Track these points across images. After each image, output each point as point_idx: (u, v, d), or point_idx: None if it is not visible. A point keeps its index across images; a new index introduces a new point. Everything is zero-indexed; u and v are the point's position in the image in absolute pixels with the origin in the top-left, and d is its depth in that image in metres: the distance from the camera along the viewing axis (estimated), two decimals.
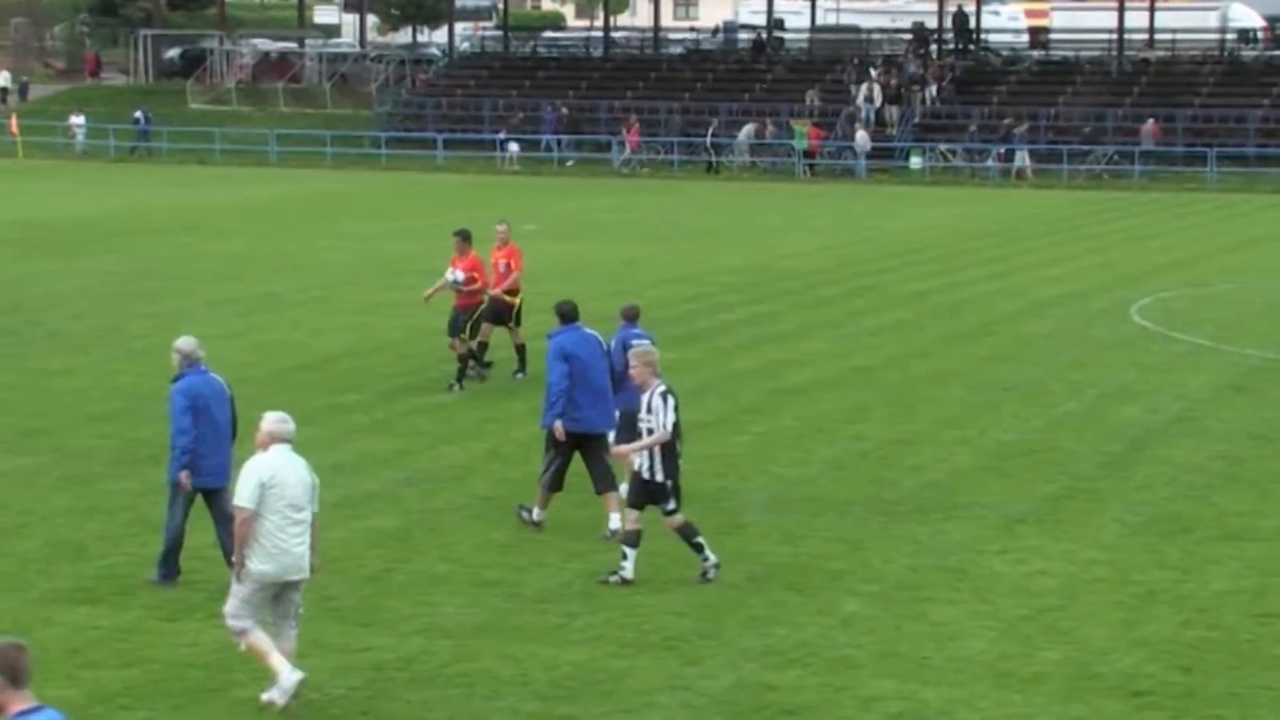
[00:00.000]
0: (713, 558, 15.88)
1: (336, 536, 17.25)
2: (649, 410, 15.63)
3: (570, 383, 17.34)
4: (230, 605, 12.95)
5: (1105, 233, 46.08)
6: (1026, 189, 58.95)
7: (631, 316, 19.21)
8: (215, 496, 15.46)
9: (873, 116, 65.10)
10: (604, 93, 71.05)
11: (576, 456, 17.59)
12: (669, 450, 15.66)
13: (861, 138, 63.41)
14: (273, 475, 12.81)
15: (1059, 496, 19.06)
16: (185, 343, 15.72)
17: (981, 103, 67.04)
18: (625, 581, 15.67)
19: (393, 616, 14.88)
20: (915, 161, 63.36)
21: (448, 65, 78.00)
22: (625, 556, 15.74)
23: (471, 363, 24.81)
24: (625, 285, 35.05)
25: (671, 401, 15.65)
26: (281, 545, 12.78)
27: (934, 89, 67.56)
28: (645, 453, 15.65)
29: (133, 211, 49.22)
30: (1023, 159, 61.55)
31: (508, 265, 25.53)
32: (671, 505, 15.80)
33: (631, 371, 15.82)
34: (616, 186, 59.68)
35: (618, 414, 17.69)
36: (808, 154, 63.49)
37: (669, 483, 15.73)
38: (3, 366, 26.06)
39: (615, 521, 17.05)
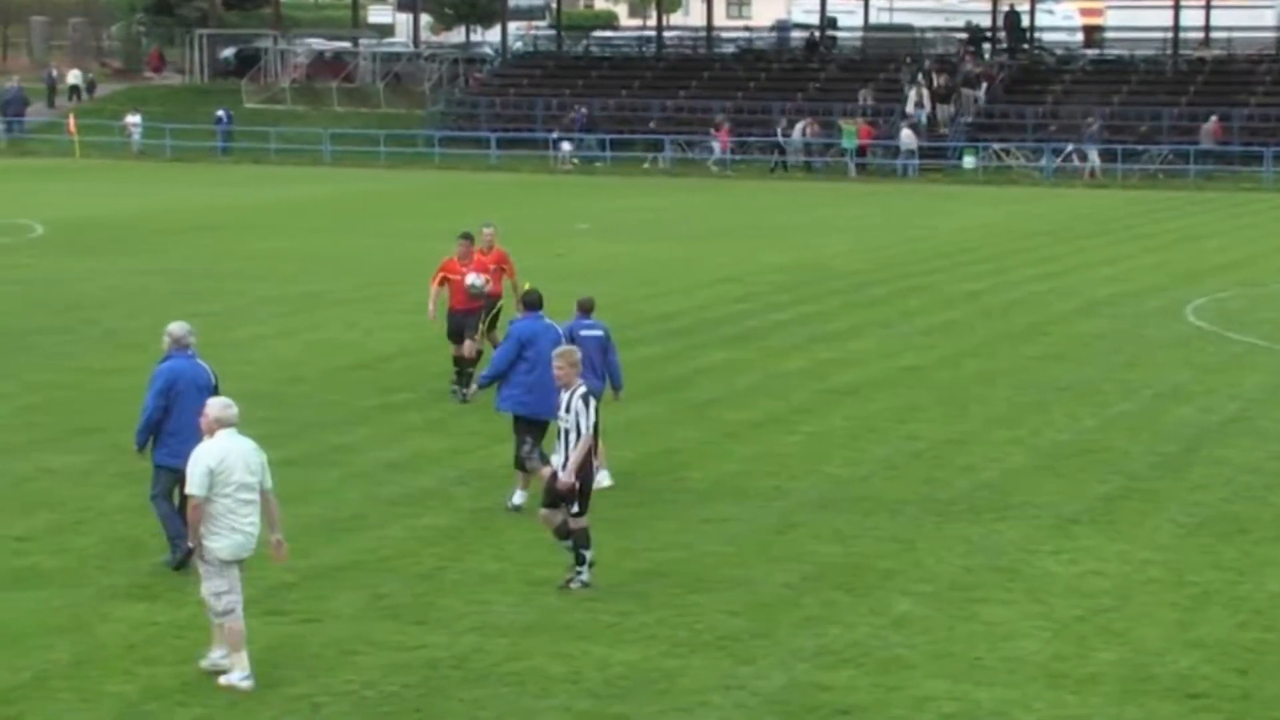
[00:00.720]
0: (585, 576, 15.54)
1: (390, 534, 17.35)
2: (567, 410, 15.46)
3: (511, 367, 18.16)
4: (209, 587, 13.41)
5: (1160, 232, 45.84)
6: (1081, 188, 58.67)
7: (586, 308, 19.64)
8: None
9: (924, 120, 64.81)
10: (656, 92, 71.06)
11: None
12: (586, 454, 15.50)
13: (907, 136, 63.25)
14: (221, 461, 13.30)
15: (1113, 497, 18.98)
16: (176, 327, 16.38)
17: (1035, 102, 66.78)
18: (584, 584, 15.60)
19: (446, 614, 14.93)
20: (968, 161, 63.15)
21: (501, 65, 78.15)
22: (580, 560, 15.65)
23: (454, 382, 23.74)
24: (675, 284, 35.08)
25: (593, 404, 15.57)
26: (234, 525, 13.34)
27: (984, 88, 67.26)
28: (563, 451, 15.50)
29: (188, 210, 49.47)
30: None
31: (499, 269, 24.56)
32: (577, 508, 15.55)
33: (555, 370, 15.61)
34: (667, 186, 59.69)
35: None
36: (857, 153, 63.43)
37: (578, 484, 15.52)
38: (58, 365, 26.25)
39: (519, 497, 18.24)
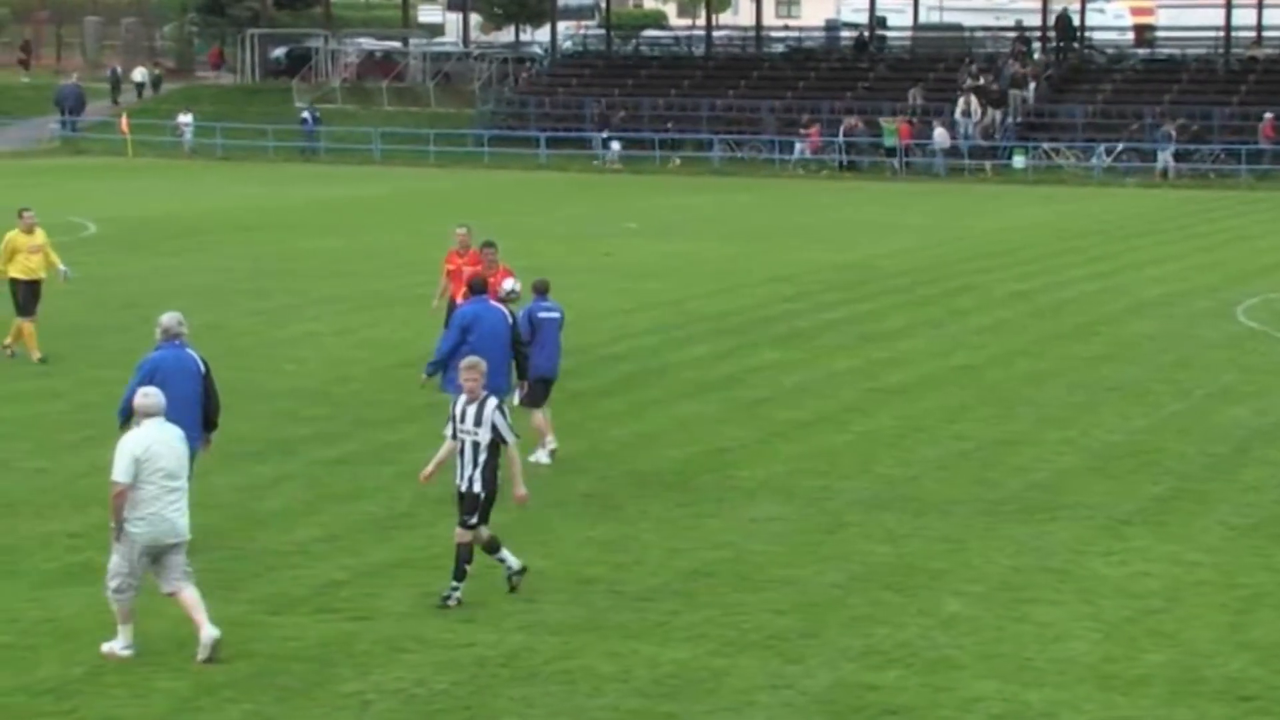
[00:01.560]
0: (458, 595, 15.06)
1: (440, 532, 17.38)
2: (477, 423, 15.03)
3: (455, 349, 18.80)
4: (112, 565, 13.88)
5: (1212, 232, 45.60)
6: (1132, 188, 58.39)
7: (542, 290, 20.50)
8: None
9: (971, 130, 64.37)
10: (705, 92, 71.02)
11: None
12: (492, 465, 15.12)
13: (940, 135, 63.12)
14: (146, 449, 13.75)
15: (1164, 498, 18.91)
16: (167, 318, 16.87)
17: (1086, 101, 66.50)
18: (514, 575, 15.54)
19: (495, 613, 14.98)
20: (1018, 160, 62.93)
21: (550, 64, 78.25)
22: (503, 561, 15.49)
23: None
24: (725, 284, 35.08)
25: (506, 411, 15.31)
26: (158, 512, 13.78)
27: (1031, 88, 66.94)
28: (468, 463, 15.12)
29: (240, 209, 49.71)
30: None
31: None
32: (475, 520, 15.20)
33: (464, 382, 15.17)
34: (716, 185, 59.66)
35: (519, 385, 19.69)
36: (895, 152, 63.39)
37: (483, 495, 15.19)
38: (114, 362, 26.37)
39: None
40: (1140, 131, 62.44)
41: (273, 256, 38.95)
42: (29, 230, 26.85)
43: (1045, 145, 63.60)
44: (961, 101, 64.51)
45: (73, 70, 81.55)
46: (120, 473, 13.70)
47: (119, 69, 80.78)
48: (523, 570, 15.59)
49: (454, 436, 15.25)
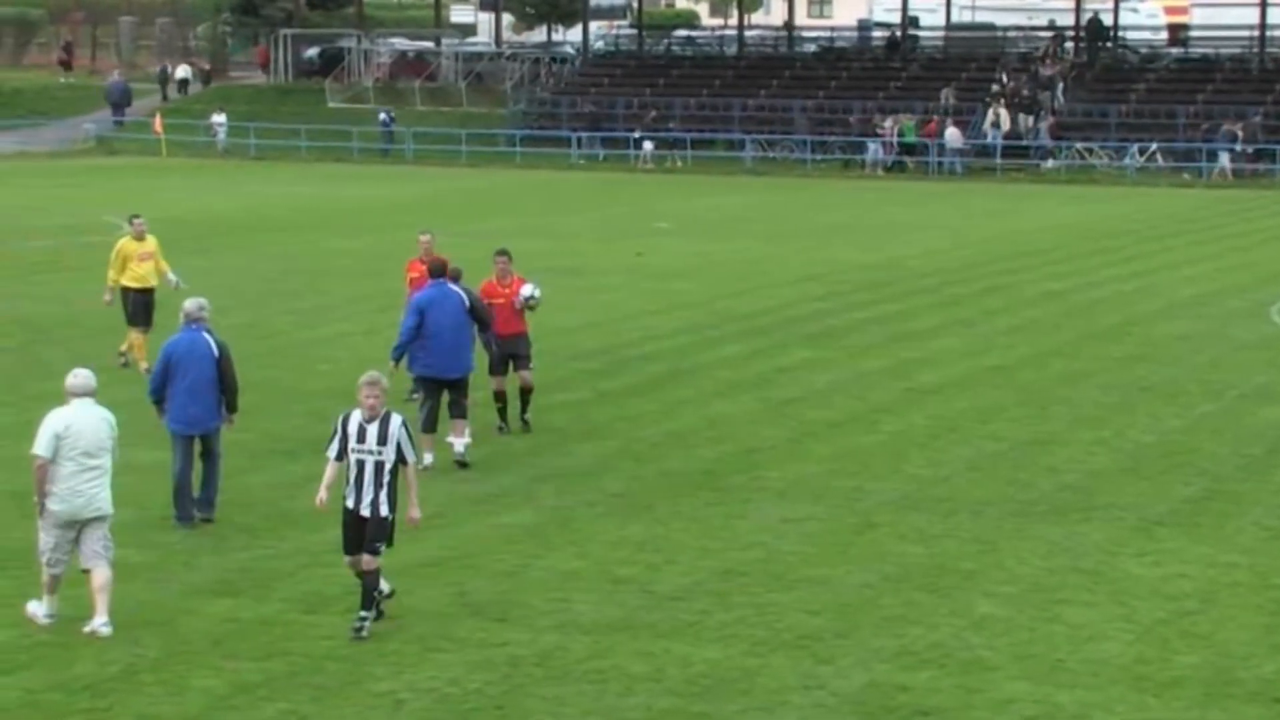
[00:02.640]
0: (369, 625, 14.23)
1: (472, 532, 17.46)
2: (381, 441, 14.19)
3: (417, 334, 19.77)
4: (41, 542, 14.61)
5: (1246, 232, 45.42)
6: (1165, 187, 58.21)
7: (454, 277, 20.94)
8: (202, 441, 17.71)
9: (998, 138, 64.03)
10: (737, 91, 71.00)
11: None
12: (394, 486, 14.38)
13: (952, 134, 63.02)
14: (67, 427, 14.45)
15: (1197, 499, 18.86)
16: (189, 303, 17.95)
17: (1119, 101, 66.30)
18: (382, 595, 14.57)
19: (528, 612, 15.01)
20: (1050, 160, 62.77)
21: (582, 64, 78.30)
22: (370, 602, 14.34)
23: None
24: (757, 283, 35.07)
25: (408, 427, 14.48)
26: (75, 488, 14.42)
27: (1060, 88, 66.69)
28: (370, 485, 14.25)
29: (273, 209, 49.86)
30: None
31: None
32: (384, 546, 14.38)
33: (364, 399, 14.27)
34: (748, 185, 59.65)
35: (152, 397, 19.44)
36: (911, 150, 63.43)
37: (391, 518, 14.38)
38: (148, 361, 26.52)
39: (460, 445, 19.90)
40: (1198, 131, 62.12)
41: (305, 256, 39.03)
42: (139, 237, 26.20)
43: (1078, 145, 63.43)
44: (990, 114, 64.09)
45: (110, 70, 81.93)
46: (40, 447, 14.41)
47: (168, 66, 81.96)
48: (391, 593, 14.75)
49: (339, 457, 14.36)
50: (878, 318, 30.95)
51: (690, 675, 13.55)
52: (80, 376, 14.81)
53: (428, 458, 19.30)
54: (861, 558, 16.61)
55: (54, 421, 14.50)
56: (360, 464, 14.30)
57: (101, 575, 14.49)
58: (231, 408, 17.86)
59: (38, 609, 14.67)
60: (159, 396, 17.76)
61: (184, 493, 17.65)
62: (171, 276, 26.45)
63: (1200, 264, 38.35)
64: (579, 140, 67.70)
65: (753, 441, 21.38)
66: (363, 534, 14.29)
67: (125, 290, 26.06)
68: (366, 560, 14.30)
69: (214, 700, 13.07)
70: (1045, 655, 13.99)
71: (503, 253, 22.23)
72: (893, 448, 21.11)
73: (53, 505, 14.44)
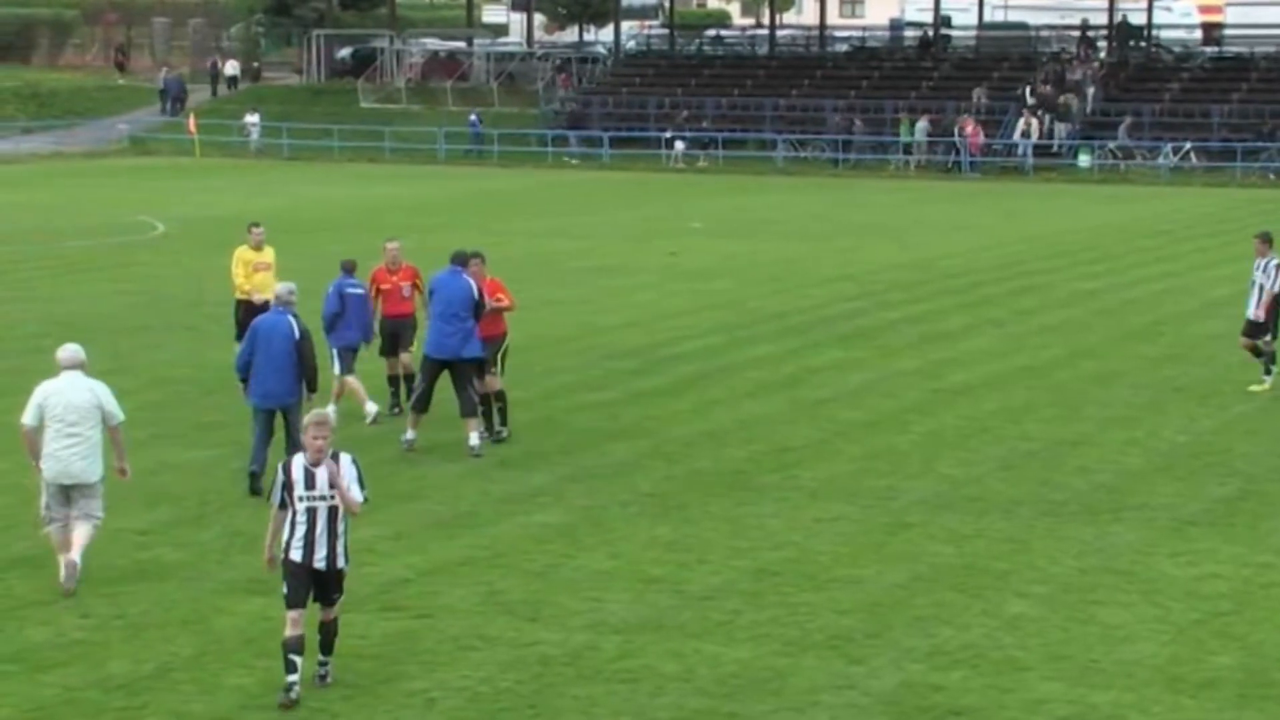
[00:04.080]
0: (294, 693, 12.91)
1: (504, 531, 17.49)
2: (332, 484, 12.96)
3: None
4: (40, 502, 15.73)
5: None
6: (1198, 186, 57.99)
7: (349, 269, 22.57)
8: (283, 414, 18.58)
9: (1030, 148, 63.71)
10: (768, 91, 70.97)
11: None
12: (348, 533, 13.25)
13: (969, 131, 63.01)
14: (47, 396, 15.55)
15: (1231, 499, 18.79)
16: (280, 287, 19.32)
17: (1153, 100, 66.09)
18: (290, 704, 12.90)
19: (559, 611, 15.02)
20: (1083, 160, 62.63)
21: (613, 64, 78.33)
22: (292, 669, 12.93)
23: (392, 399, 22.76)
24: (789, 283, 35.06)
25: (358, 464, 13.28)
26: (54, 453, 15.44)
27: (1091, 92, 66.43)
28: (323, 534, 12.98)
29: (306, 209, 49.97)
30: None
31: (413, 288, 22.70)
32: (340, 596, 13.33)
33: (312, 439, 12.98)
34: (779, 185, 59.62)
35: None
36: (911, 149, 63.85)
37: (346, 568, 13.27)
38: (183, 360, 26.64)
39: (474, 439, 20.46)
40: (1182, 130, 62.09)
41: (337, 255, 39.03)
42: (258, 247, 25.08)
43: (1111, 145, 63.25)
44: (1021, 122, 63.74)
45: (146, 70, 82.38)
46: (25, 415, 15.68)
47: (218, 62, 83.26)
48: (294, 700, 12.92)
49: (283, 505, 13.06)
50: (910, 318, 30.91)
51: (721, 675, 13.56)
52: (68, 350, 15.81)
53: (409, 434, 20.76)
54: (893, 557, 16.59)
55: (38, 392, 15.65)
56: (311, 513, 12.95)
57: (80, 533, 15.56)
58: (311, 387, 18.84)
59: (61, 572, 15.54)
60: (244, 374, 18.87)
61: (258, 465, 18.54)
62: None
63: (1234, 264, 38.15)
64: (549, 139, 67.97)
65: (785, 441, 21.37)
66: (315, 588, 13.05)
67: (237, 301, 25.12)
68: (327, 613, 13.21)
69: (247, 698, 13.12)
70: (1079, 656, 13.96)
71: (477, 255, 21.47)
72: (925, 448, 21.09)
73: (44, 466, 15.56)
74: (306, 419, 13.21)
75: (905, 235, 43.88)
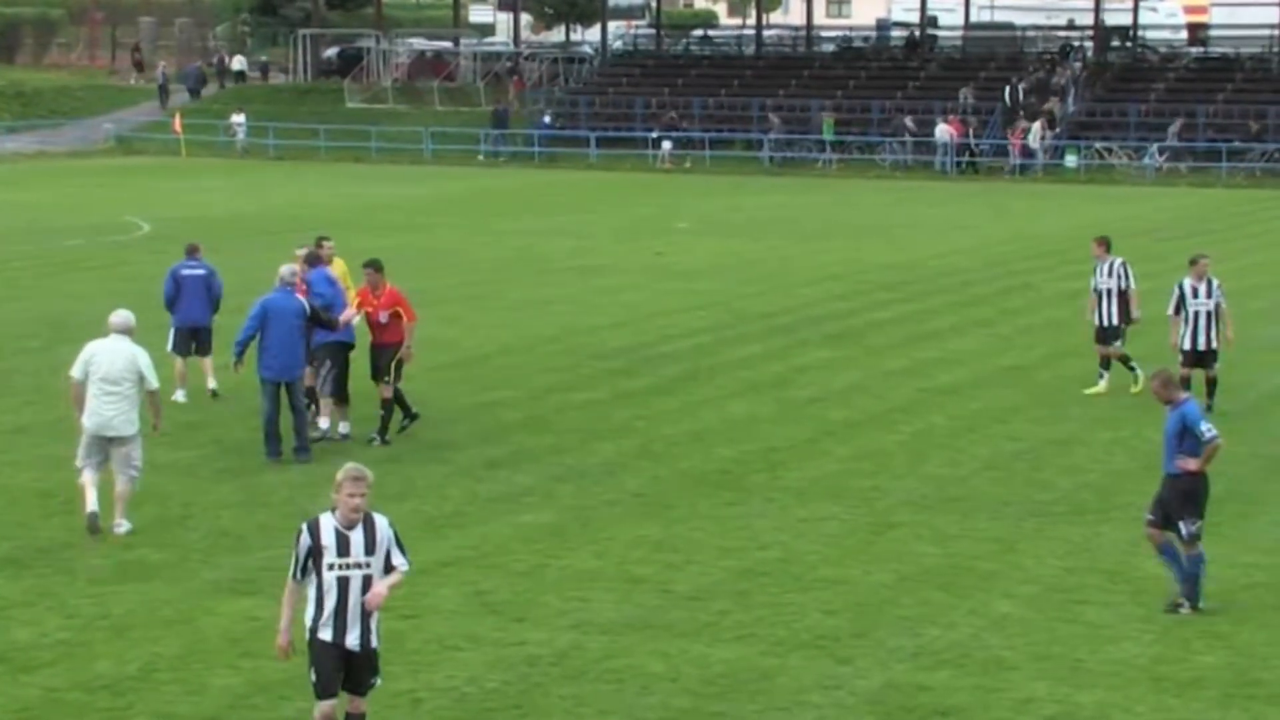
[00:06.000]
0: None
1: (491, 531, 17.48)
2: (369, 550, 11.32)
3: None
4: (79, 447, 17.13)
5: (1265, 232, 45.31)
6: (1184, 187, 58.05)
7: (190, 250, 23.78)
8: (288, 387, 19.91)
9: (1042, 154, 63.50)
10: (755, 91, 70.98)
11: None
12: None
13: (942, 131, 63.02)
14: (93, 355, 17.14)
15: (1217, 499, 18.65)
16: (284, 268, 20.39)
17: (1139, 100, 66.17)
18: None
19: (546, 611, 15.02)
20: (1070, 160, 62.66)
21: (600, 64, 78.32)
22: None
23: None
24: (777, 282, 35.06)
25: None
26: (95, 409, 16.95)
27: (1072, 95, 66.34)
28: (357, 613, 11.34)
29: (292, 209, 49.92)
30: None
31: (392, 315, 21.26)
32: (378, 681, 11.76)
33: (345, 497, 11.32)
34: (766, 185, 59.61)
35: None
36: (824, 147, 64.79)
37: (379, 647, 11.68)
38: (165, 361, 26.50)
39: (325, 423, 21.10)
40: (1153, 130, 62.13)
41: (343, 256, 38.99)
42: (328, 260, 22.84)
43: (1098, 144, 63.31)
44: (1036, 126, 63.42)
45: (123, 71, 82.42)
46: (73, 369, 17.23)
47: (225, 57, 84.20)
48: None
49: (300, 577, 11.33)
50: (897, 318, 30.92)
51: (708, 675, 13.55)
52: (119, 315, 17.46)
53: (323, 422, 21.26)
54: (880, 558, 16.59)
55: (86, 349, 17.25)
56: (343, 583, 11.21)
57: (121, 485, 17.04)
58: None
59: (86, 509, 16.98)
60: (243, 348, 19.95)
61: (271, 434, 19.98)
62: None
63: (1221, 263, 38.09)
64: (536, 139, 68.07)
65: (772, 441, 21.37)
66: (349, 671, 11.42)
67: None
68: (358, 703, 11.58)
69: (233, 699, 13.10)
70: (1065, 655, 13.97)
71: (373, 264, 21.45)
72: (912, 448, 21.10)
73: (85, 419, 16.97)
74: (341, 474, 11.33)
75: (893, 235, 43.90)
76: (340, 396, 21.35)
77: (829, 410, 23.22)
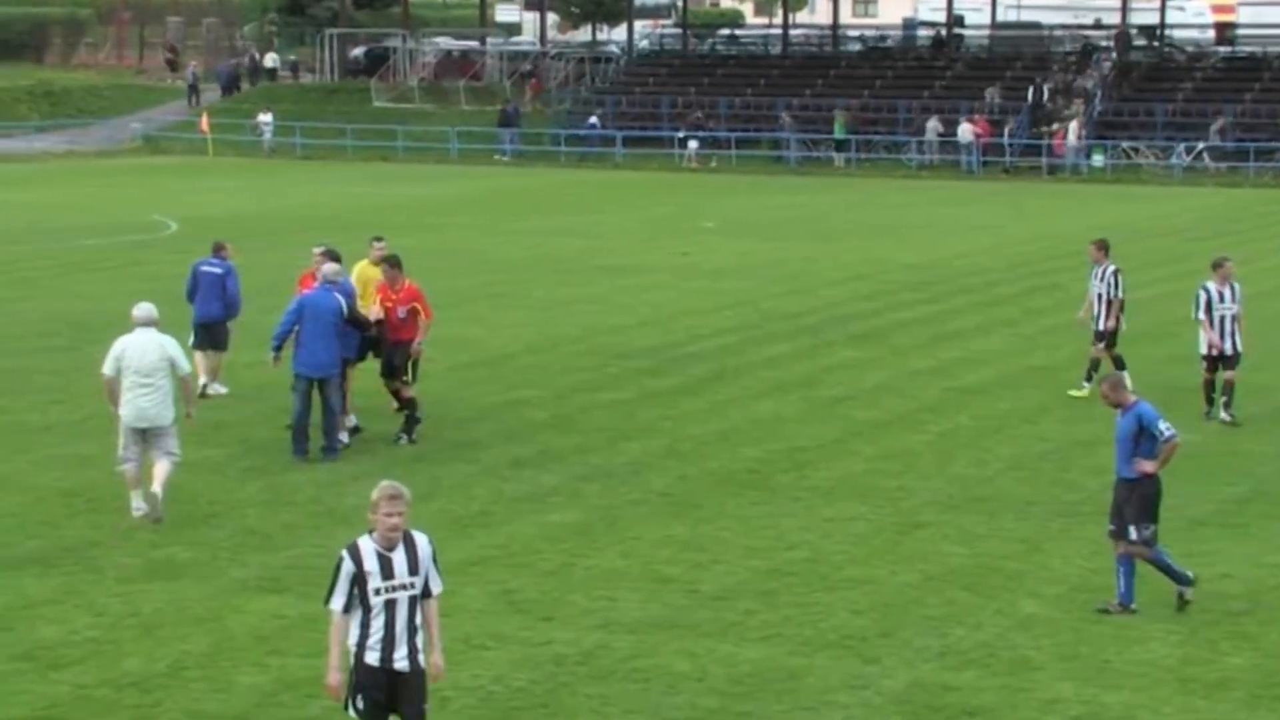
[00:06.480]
0: None
1: (517, 530, 17.50)
2: (413, 570, 10.84)
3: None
4: (119, 444, 17.62)
5: None
6: (1211, 187, 57.88)
7: (214, 248, 24.09)
8: (321, 385, 20.05)
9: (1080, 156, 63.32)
10: (782, 90, 70.94)
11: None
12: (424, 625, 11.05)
13: (964, 131, 62.92)
14: (124, 350, 17.58)
15: (1242, 499, 18.77)
16: (328, 267, 20.57)
17: (1166, 99, 65.99)
18: None
19: (572, 610, 15.04)
20: (1097, 159, 62.53)
21: (626, 63, 78.32)
22: None
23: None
24: (803, 283, 35.06)
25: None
26: (131, 401, 17.41)
27: (1098, 97, 66.16)
28: (403, 630, 10.81)
29: (319, 208, 50.01)
30: None
31: (410, 311, 21.24)
32: (427, 705, 10.98)
33: (382, 516, 10.84)
34: (791, 185, 59.59)
35: (275, 343, 20.74)
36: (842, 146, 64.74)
37: (427, 669, 10.94)
38: (193, 359, 26.61)
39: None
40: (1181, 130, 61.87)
41: (352, 255, 39.05)
42: (377, 263, 22.36)
43: (1124, 144, 63.15)
44: (1074, 125, 63.29)
45: (150, 71, 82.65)
46: (105, 366, 17.65)
47: (255, 54, 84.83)
48: None
49: (346, 607, 10.78)
50: (923, 318, 30.89)
51: (735, 675, 13.56)
52: (142, 308, 17.83)
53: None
54: (906, 558, 16.59)
55: (116, 345, 17.66)
56: (390, 606, 10.75)
57: (161, 467, 17.52)
58: (364, 348, 21.03)
59: (133, 506, 17.44)
60: (280, 343, 20.12)
61: (300, 432, 20.09)
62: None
63: (1248, 264, 38.07)
64: (563, 138, 68.12)
65: (798, 441, 21.37)
66: (400, 696, 10.83)
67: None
68: None
69: (260, 697, 13.14)
70: (1091, 656, 13.96)
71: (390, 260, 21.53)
72: (938, 447, 21.08)
73: (121, 412, 17.45)
74: (377, 494, 10.86)
75: (918, 235, 43.85)
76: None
77: (855, 410, 23.21)
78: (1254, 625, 14.69)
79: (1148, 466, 14.92)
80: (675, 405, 23.43)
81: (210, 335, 23.73)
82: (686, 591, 15.56)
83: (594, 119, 69.91)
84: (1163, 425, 14.86)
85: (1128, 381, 15.35)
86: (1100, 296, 24.16)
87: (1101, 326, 24.16)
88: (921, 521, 17.84)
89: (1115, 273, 24.22)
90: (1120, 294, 24.15)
